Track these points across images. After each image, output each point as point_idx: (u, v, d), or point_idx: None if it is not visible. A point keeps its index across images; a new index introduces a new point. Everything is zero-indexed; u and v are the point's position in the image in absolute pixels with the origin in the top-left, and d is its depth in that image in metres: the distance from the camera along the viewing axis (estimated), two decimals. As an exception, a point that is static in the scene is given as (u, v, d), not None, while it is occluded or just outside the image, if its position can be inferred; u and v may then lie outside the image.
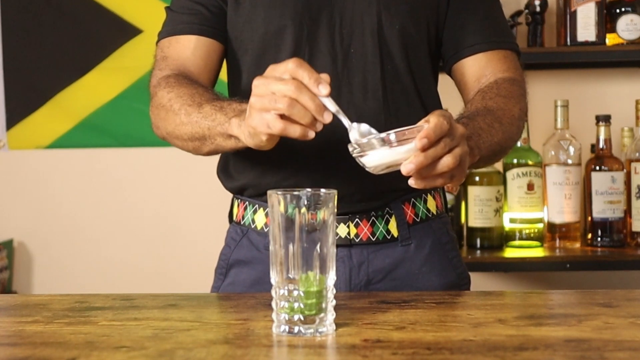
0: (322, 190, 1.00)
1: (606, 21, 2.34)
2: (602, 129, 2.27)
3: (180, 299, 1.23)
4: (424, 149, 1.05)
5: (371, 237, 1.36)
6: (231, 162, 1.43)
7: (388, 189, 1.36)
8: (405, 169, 1.07)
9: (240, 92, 1.39)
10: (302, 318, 0.98)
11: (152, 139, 2.62)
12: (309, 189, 1.00)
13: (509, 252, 2.27)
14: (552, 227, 2.32)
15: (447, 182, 1.12)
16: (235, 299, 1.25)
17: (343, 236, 1.35)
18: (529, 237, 2.30)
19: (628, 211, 2.30)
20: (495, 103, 1.34)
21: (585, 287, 2.50)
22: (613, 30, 2.34)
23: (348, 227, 1.35)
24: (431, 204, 1.42)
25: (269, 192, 1.01)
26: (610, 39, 2.35)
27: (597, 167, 2.28)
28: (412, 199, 1.39)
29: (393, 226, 1.38)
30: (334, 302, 1.01)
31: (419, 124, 1.09)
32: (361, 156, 1.10)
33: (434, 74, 1.46)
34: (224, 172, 1.45)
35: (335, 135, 1.29)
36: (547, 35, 2.45)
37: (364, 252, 1.36)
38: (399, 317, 1.08)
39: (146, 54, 2.70)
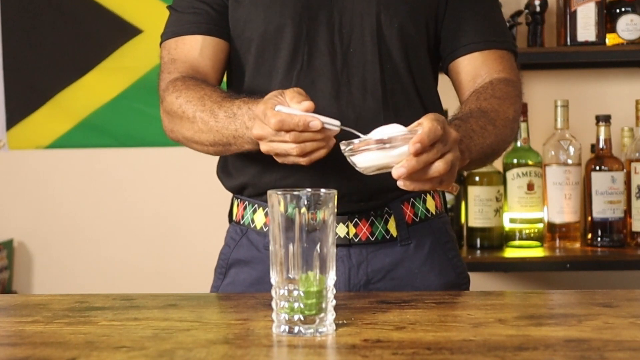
0: (322, 190, 1.00)
1: (606, 21, 2.34)
2: (602, 129, 2.27)
3: (180, 299, 1.23)
4: (417, 154, 1.06)
5: (370, 237, 1.36)
6: (230, 160, 1.43)
7: (387, 189, 1.36)
8: (396, 173, 1.08)
9: (239, 90, 1.39)
10: (302, 318, 0.98)
11: (152, 139, 2.65)
12: (309, 189, 1.00)
13: (509, 252, 2.27)
14: (552, 227, 2.32)
15: (436, 186, 1.13)
16: (235, 299, 1.25)
17: (342, 236, 1.35)
18: (529, 237, 2.30)
19: (628, 211, 2.30)
20: (490, 104, 1.33)
21: (585, 287, 2.50)
22: (613, 30, 2.34)
23: (347, 227, 1.35)
24: (430, 204, 1.42)
25: (269, 192, 1.01)
26: (610, 39, 2.35)
27: (597, 167, 2.28)
28: (412, 199, 1.39)
29: (392, 226, 1.38)
30: (334, 302, 1.01)
31: (412, 127, 1.09)
32: (353, 155, 1.10)
33: (434, 73, 1.46)
34: (224, 171, 1.45)
35: (336, 136, 1.29)
36: (547, 35, 2.45)
37: (363, 252, 1.36)
38: (399, 317, 1.08)
39: (146, 54, 2.72)
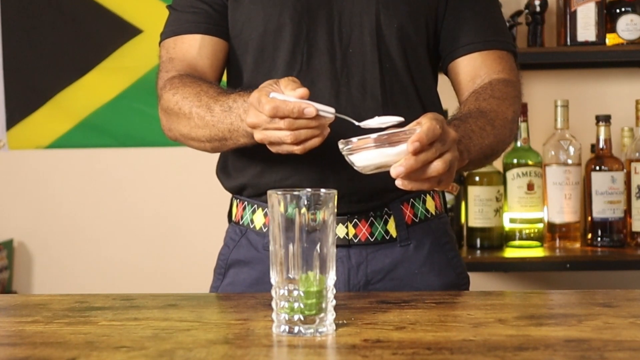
0: (322, 190, 1.00)
1: (606, 21, 2.34)
2: (602, 129, 2.27)
3: (180, 299, 1.23)
4: (416, 153, 1.05)
5: (370, 238, 1.36)
6: (230, 161, 1.43)
7: (387, 189, 1.35)
8: (394, 172, 1.07)
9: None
10: (302, 318, 0.98)
11: (152, 139, 2.65)
12: (309, 189, 1.00)
13: (509, 252, 2.27)
14: (552, 227, 2.31)
15: (435, 186, 1.12)
16: (235, 299, 1.25)
17: (342, 236, 1.35)
18: (529, 237, 2.30)
19: (628, 211, 2.30)
20: (489, 105, 1.33)
21: (585, 287, 2.50)
22: (613, 30, 2.34)
23: (347, 227, 1.35)
24: (430, 204, 1.42)
25: (269, 192, 1.01)
26: (610, 39, 2.35)
27: (597, 167, 2.28)
28: (411, 200, 1.39)
29: (392, 226, 1.38)
30: (334, 302, 1.01)
31: (410, 126, 1.09)
32: (350, 154, 1.10)
33: (434, 73, 1.46)
34: (223, 171, 1.45)
35: (334, 135, 1.29)
36: (547, 35, 2.45)
37: (363, 253, 1.36)
38: (399, 317, 1.07)
39: (146, 54, 2.72)
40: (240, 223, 1.43)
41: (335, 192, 1.01)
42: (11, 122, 2.69)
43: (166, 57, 1.42)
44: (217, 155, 1.49)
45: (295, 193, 0.99)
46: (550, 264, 2.23)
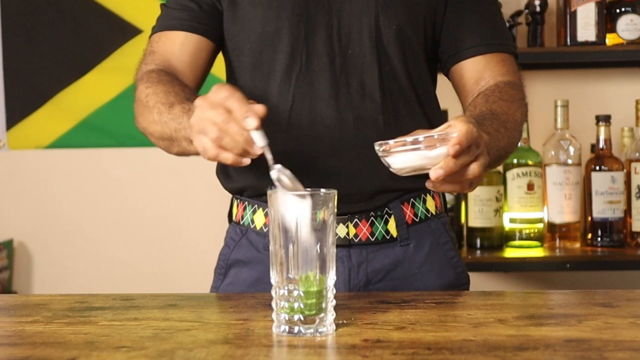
0: (322, 190, 1.00)
1: (606, 21, 2.34)
2: (602, 129, 2.27)
3: (180, 299, 1.23)
4: (456, 155, 1.06)
5: (370, 238, 1.36)
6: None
7: (387, 189, 1.36)
8: (434, 174, 1.07)
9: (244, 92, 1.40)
10: (302, 318, 0.98)
11: (152, 139, 2.65)
12: (308, 189, 1.00)
13: (509, 252, 2.27)
14: (552, 227, 2.31)
15: (466, 188, 1.12)
16: (235, 299, 1.25)
17: (342, 236, 1.35)
18: (529, 237, 2.30)
19: (628, 211, 2.30)
20: (499, 107, 1.33)
21: (585, 287, 2.49)
22: (613, 30, 2.34)
23: (347, 227, 1.35)
24: (430, 204, 1.42)
25: (269, 192, 1.01)
26: (610, 39, 2.35)
27: (597, 167, 2.28)
28: (412, 199, 1.39)
29: (392, 226, 1.38)
30: (334, 302, 1.01)
31: (442, 128, 1.08)
32: (386, 156, 1.10)
33: (432, 75, 1.46)
34: (223, 172, 1.45)
35: (334, 136, 1.29)
36: (547, 35, 2.45)
37: (363, 253, 1.36)
38: (399, 317, 1.07)
39: (146, 54, 2.71)
40: (241, 223, 1.43)
41: (335, 191, 1.01)
42: (11, 122, 2.69)
43: (149, 50, 1.45)
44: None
45: (295, 193, 0.99)
46: (550, 264, 2.23)
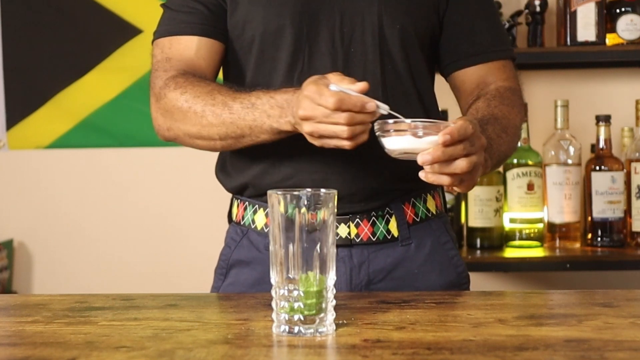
0: (322, 190, 1.00)
1: (606, 21, 2.34)
2: (602, 129, 2.27)
3: (180, 299, 1.23)
4: (445, 145, 1.09)
5: (372, 237, 1.36)
6: (229, 161, 1.43)
7: (388, 189, 1.36)
8: (421, 159, 1.10)
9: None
10: (302, 318, 0.98)
11: (152, 139, 2.63)
12: (309, 189, 1.00)
13: (509, 252, 2.27)
14: (552, 227, 2.31)
15: (455, 184, 1.14)
16: (235, 299, 1.25)
17: (344, 236, 1.35)
18: (529, 237, 2.30)
19: (628, 211, 2.30)
20: (501, 112, 1.35)
21: (585, 287, 2.49)
22: (613, 30, 2.34)
23: (348, 227, 1.35)
24: (431, 203, 1.42)
25: (269, 192, 1.01)
26: (610, 39, 2.35)
27: (597, 167, 2.28)
28: (412, 199, 1.39)
29: (393, 226, 1.38)
30: (334, 302, 1.01)
31: (447, 123, 1.13)
32: (383, 137, 1.14)
33: (431, 74, 1.47)
34: (223, 171, 1.45)
35: None
36: (547, 35, 2.45)
37: (365, 252, 1.36)
38: (399, 317, 1.08)
39: (146, 54, 2.66)
40: (242, 223, 1.43)
41: (335, 191, 1.01)
42: (11, 122, 2.69)
43: (162, 57, 1.40)
44: (216, 156, 1.49)
45: (295, 193, 0.99)
46: (550, 264, 2.23)
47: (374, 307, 1.15)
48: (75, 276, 2.69)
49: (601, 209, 2.28)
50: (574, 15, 2.32)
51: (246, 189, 1.41)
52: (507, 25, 2.35)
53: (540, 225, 2.31)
